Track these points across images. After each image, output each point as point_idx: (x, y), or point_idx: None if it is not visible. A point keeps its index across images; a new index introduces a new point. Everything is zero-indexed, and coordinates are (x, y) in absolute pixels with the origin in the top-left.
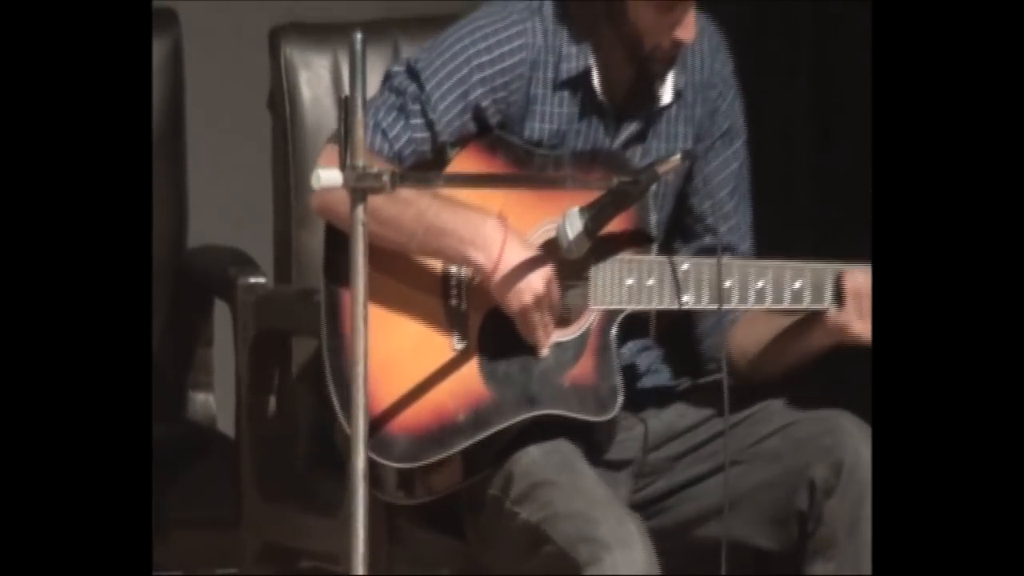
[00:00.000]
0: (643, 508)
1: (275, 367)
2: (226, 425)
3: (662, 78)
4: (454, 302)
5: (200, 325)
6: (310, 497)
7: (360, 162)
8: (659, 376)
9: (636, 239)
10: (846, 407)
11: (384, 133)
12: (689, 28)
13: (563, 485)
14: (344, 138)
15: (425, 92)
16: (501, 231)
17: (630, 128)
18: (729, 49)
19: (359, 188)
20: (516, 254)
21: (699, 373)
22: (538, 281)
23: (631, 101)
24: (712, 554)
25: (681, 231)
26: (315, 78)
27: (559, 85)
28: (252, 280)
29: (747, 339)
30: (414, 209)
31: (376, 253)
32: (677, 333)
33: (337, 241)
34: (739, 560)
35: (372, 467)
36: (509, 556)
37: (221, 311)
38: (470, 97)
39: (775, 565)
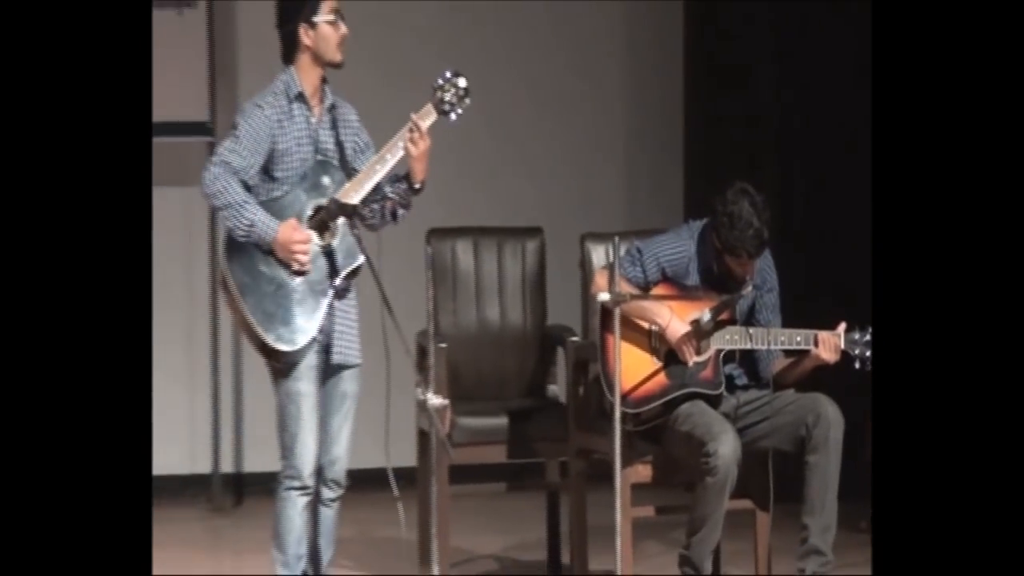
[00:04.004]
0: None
1: (582, 375)
2: (560, 398)
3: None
4: (654, 343)
5: (552, 358)
6: (595, 427)
7: (617, 289)
8: (742, 380)
9: (731, 322)
10: (822, 391)
11: (625, 269)
12: (750, 270)
13: (698, 414)
14: (611, 279)
15: (642, 260)
16: (670, 313)
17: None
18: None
19: (616, 301)
20: (676, 322)
21: (758, 380)
22: (684, 334)
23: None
24: (764, 454)
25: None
26: (600, 259)
27: (700, 268)
28: (573, 339)
29: (779, 367)
30: (635, 302)
31: (622, 321)
32: (747, 361)
33: (605, 314)
34: (775, 455)
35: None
36: (679, 447)
37: (560, 353)
38: (660, 266)
39: (791, 457)
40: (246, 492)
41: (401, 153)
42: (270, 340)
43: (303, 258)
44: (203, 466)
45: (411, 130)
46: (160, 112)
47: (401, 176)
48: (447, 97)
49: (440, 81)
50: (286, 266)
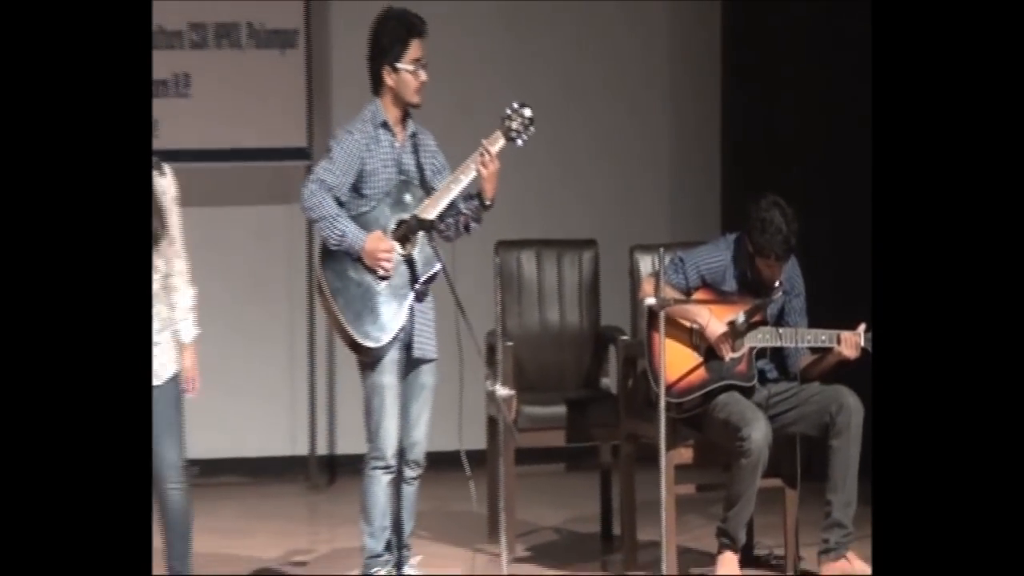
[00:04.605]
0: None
1: (631, 369)
2: (612, 389)
3: (771, 288)
4: (695, 341)
5: (605, 355)
6: (643, 415)
7: (662, 294)
8: (773, 373)
9: (763, 323)
10: (844, 383)
11: (669, 276)
12: (778, 273)
13: (733, 404)
14: (657, 285)
15: (684, 268)
16: (709, 314)
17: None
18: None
19: (661, 305)
20: (715, 323)
21: (787, 374)
22: (721, 333)
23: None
24: (792, 438)
25: (782, 326)
26: (647, 267)
27: (735, 276)
28: (623, 338)
29: (805, 363)
30: (678, 306)
31: (666, 321)
32: (777, 357)
33: (652, 316)
34: (802, 439)
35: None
36: (717, 432)
37: (612, 351)
38: (700, 274)
39: (816, 441)
40: (339, 472)
41: (473, 174)
42: (359, 337)
43: (388, 265)
44: (301, 449)
45: (482, 154)
46: (264, 139)
47: (474, 194)
48: (514, 125)
49: (508, 111)
50: (373, 272)
